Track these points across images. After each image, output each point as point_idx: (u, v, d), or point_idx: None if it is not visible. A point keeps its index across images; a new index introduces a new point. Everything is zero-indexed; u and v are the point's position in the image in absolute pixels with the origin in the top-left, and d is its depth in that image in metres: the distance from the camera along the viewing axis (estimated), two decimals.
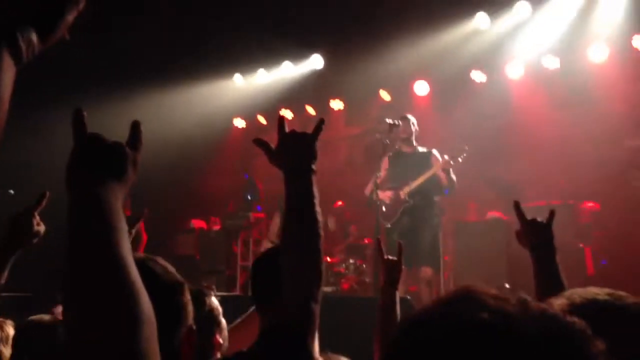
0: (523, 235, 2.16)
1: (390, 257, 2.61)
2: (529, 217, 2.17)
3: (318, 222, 1.65)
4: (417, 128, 6.43)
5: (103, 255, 0.91)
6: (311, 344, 1.61)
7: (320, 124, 1.79)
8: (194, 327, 1.39)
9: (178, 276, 1.41)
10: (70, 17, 0.95)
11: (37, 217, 2.12)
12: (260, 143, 1.80)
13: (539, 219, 2.15)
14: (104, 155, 1.04)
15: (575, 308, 1.13)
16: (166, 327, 1.12)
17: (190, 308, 1.41)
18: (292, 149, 1.73)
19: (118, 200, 1.00)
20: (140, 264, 1.03)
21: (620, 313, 1.13)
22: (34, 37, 0.90)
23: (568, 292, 1.21)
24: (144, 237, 3.12)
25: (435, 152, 6.32)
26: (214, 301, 2.41)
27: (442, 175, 6.13)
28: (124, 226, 0.97)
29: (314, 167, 1.71)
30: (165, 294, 1.14)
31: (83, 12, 0.96)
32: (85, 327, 0.86)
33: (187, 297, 1.42)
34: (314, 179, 1.70)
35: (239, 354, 1.79)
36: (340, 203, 8.80)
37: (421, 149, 6.40)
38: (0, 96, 0.86)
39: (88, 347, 0.85)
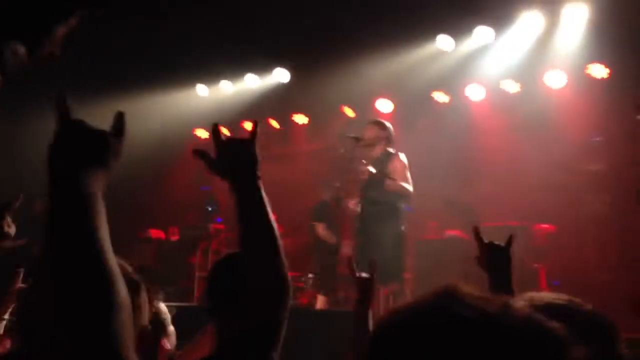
0: (481, 258, 2.21)
1: (362, 275, 2.48)
2: (485, 237, 2.22)
3: (274, 229, 1.61)
4: (389, 132, 6.03)
5: (82, 239, 0.92)
6: (275, 353, 1.58)
7: (255, 127, 1.74)
8: (149, 327, 1.38)
9: (135, 276, 1.40)
10: (60, 33, 0.96)
11: (9, 219, 2.07)
12: (199, 153, 1.70)
13: (496, 242, 2.19)
14: (87, 141, 1.05)
15: (535, 309, 1.17)
16: None
17: (145, 308, 1.40)
18: (231, 157, 1.66)
19: (99, 187, 1.01)
20: None
21: (579, 317, 1.18)
22: (21, 49, 0.91)
23: (528, 295, 1.26)
24: None
25: (402, 155, 5.92)
26: (162, 306, 2.40)
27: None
28: (103, 211, 0.98)
29: (258, 172, 1.66)
30: None
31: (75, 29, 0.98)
32: (63, 308, 0.87)
33: (144, 297, 1.40)
34: (261, 184, 1.64)
35: None
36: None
37: (386, 152, 5.94)
38: None
39: (66, 329, 0.86)
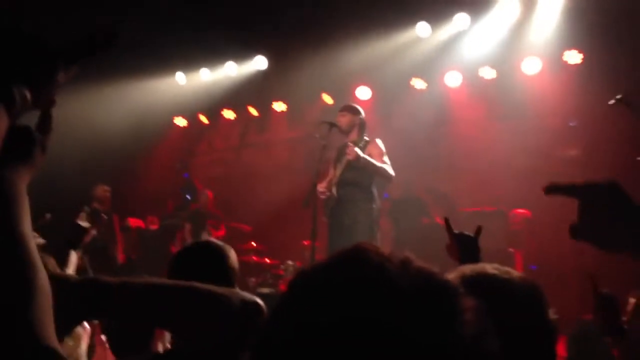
0: (452, 248, 2.26)
1: (464, 232, 2.26)
2: (462, 222, 2.27)
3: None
4: (362, 117, 6.06)
5: (3, 229, 0.94)
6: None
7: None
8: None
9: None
10: (61, 81, 1.02)
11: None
12: None
13: (466, 233, 2.24)
14: (11, 138, 1.05)
15: (465, 280, 1.23)
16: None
17: None
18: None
19: (23, 182, 1.03)
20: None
21: (506, 285, 1.24)
22: (28, 94, 0.97)
23: (463, 267, 1.31)
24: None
25: (378, 141, 5.92)
26: None
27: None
28: (26, 205, 1.00)
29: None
30: None
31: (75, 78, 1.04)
32: None
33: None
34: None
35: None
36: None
37: (361, 138, 5.96)
38: None
39: None
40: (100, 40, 1.07)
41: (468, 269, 1.28)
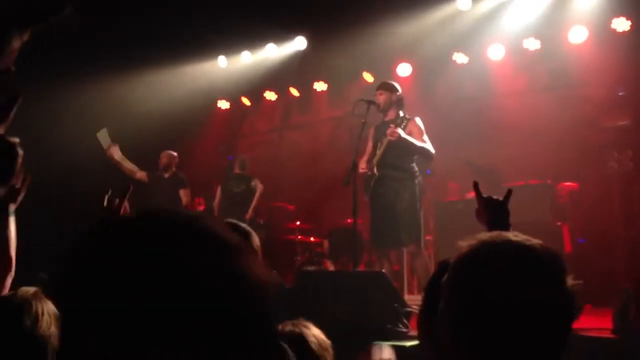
0: (481, 213, 2.25)
1: (493, 197, 2.22)
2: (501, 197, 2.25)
3: None
4: (400, 94, 6.04)
5: None
6: None
7: None
8: None
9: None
10: (16, 45, 1.05)
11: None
12: None
13: (494, 197, 2.23)
14: None
15: (483, 245, 1.23)
16: None
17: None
18: None
19: None
20: None
21: (523, 252, 1.22)
22: None
23: (481, 234, 1.31)
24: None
25: (417, 120, 5.91)
26: None
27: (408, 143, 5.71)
28: None
29: None
30: None
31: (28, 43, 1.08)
32: None
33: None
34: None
35: None
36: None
37: (400, 116, 5.87)
38: None
39: None
40: (49, 8, 1.07)
41: (487, 235, 1.29)
